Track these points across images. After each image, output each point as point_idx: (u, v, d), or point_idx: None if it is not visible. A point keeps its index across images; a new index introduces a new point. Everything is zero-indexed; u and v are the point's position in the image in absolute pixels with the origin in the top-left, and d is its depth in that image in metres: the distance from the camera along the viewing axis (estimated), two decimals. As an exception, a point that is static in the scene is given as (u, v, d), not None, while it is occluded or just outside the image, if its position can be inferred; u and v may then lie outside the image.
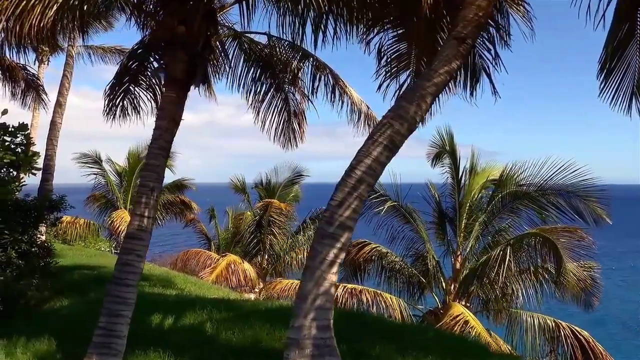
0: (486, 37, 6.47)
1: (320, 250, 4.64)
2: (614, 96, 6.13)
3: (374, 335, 7.64)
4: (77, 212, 18.85)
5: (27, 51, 12.22)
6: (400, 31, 7.07)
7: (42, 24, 5.93)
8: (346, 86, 9.11)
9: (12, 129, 9.01)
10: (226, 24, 8.47)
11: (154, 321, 8.27)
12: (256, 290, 18.69)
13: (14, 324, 8.12)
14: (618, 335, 28.10)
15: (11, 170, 9.23)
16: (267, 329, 7.52)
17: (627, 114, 6.13)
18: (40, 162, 9.91)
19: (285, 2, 7.05)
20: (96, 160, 23.43)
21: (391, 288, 13.99)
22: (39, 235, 9.94)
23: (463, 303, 12.94)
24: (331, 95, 8.91)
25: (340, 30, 6.90)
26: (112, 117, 8.60)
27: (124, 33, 15.30)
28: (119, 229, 20.52)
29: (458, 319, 11.70)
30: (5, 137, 8.96)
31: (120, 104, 8.52)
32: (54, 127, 16.07)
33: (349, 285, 13.61)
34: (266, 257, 20.23)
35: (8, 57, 13.31)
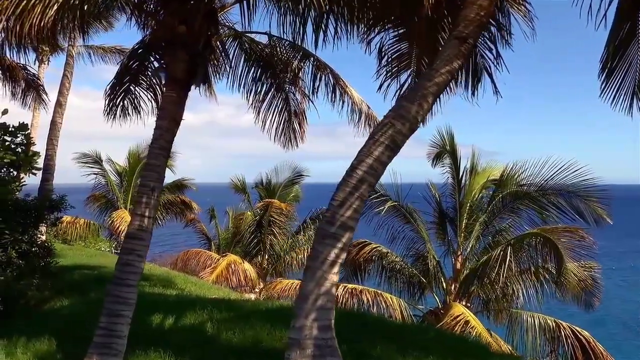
0: (487, 36, 6.47)
1: (322, 250, 4.63)
2: (615, 96, 6.12)
3: (375, 335, 7.64)
4: (78, 212, 18.85)
5: (27, 51, 12.20)
6: (401, 31, 7.06)
7: (42, 24, 5.93)
8: (347, 86, 9.11)
9: (13, 129, 9.00)
10: (227, 23, 8.47)
11: (155, 321, 8.26)
12: (256, 290, 18.67)
13: (14, 324, 8.11)
14: (618, 335, 28.09)
15: (11, 170, 9.23)
16: (268, 329, 7.51)
17: (628, 113, 6.13)
18: (40, 162, 9.90)
19: (285, 2, 7.04)
20: (96, 160, 23.43)
21: (392, 288, 13.98)
22: (39, 235, 9.93)
23: (463, 303, 12.93)
24: (332, 95, 8.92)
25: (341, 30, 6.88)
26: (112, 117, 8.59)
27: (124, 33, 15.35)
28: (119, 229, 20.51)
29: (459, 319, 11.69)
30: (5, 137, 8.95)
31: (121, 103, 8.51)
32: (54, 127, 16.06)
33: (350, 285, 13.59)
34: (266, 257, 20.23)
35: (8, 56, 13.28)
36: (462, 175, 13.89)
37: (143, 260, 6.40)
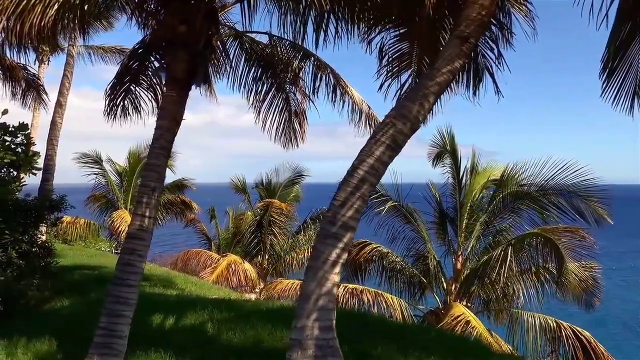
0: (489, 36, 6.46)
1: (323, 250, 4.62)
2: (616, 96, 6.11)
3: (376, 335, 7.62)
4: (78, 212, 18.83)
5: (27, 51, 12.15)
6: (402, 30, 7.05)
7: (42, 24, 5.92)
8: (347, 86, 9.11)
9: (13, 129, 8.99)
10: (227, 23, 8.47)
11: (155, 321, 8.25)
12: (257, 290, 18.67)
13: (15, 324, 8.10)
14: (619, 335, 28.09)
15: (11, 170, 9.22)
16: (269, 329, 7.50)
17: (629, 113, 6.12)
18: (40, 162, 9.89)
19: (286, 2, 7.03)
20: (96, 160, 23.43)
21: (392, 288, 13.97)
22: (39, 235, 9.92)
23: (464, 303, 12.92)
24: (332, 95, 8.92)
25: (342, 30, 6.88)
26: (112, 117, 8.57)
27: (125, 33, 15.33)
28: (120, 229, 20.50)
29: (459, 319, 11.68)
30: (5, 137, 8.94)
31: (121, 103, 8.50)
32: (54, 127, 16.06)
33: (350, 285, 13.59)
34: (267, 257, 20.22)
35: (8, 56, 13.26)
36: (462, 175, 13.88)
37: (144, 260, 6.39)
